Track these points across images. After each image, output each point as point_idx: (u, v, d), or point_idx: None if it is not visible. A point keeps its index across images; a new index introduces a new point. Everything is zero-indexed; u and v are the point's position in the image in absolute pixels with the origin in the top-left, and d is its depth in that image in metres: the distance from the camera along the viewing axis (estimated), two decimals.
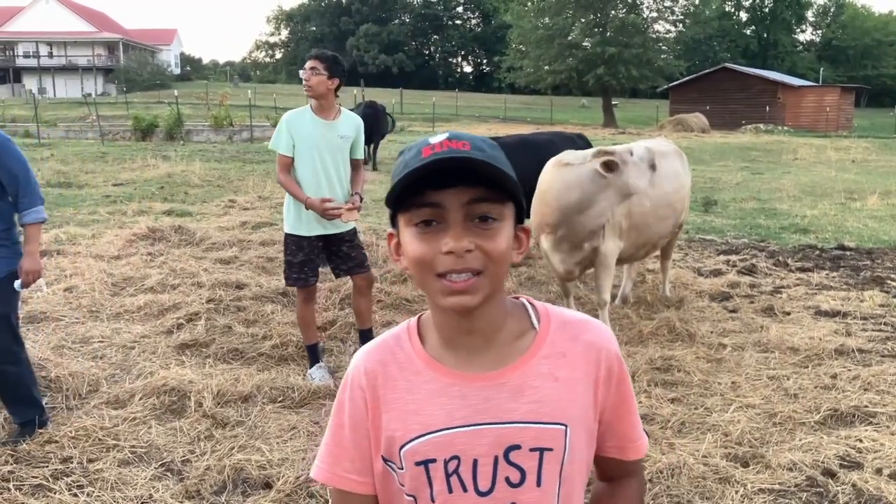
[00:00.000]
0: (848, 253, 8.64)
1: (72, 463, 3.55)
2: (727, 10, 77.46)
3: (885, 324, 5.85)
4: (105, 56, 66.14)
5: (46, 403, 4.10)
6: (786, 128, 41.80)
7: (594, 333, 1.24)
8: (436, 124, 33.91)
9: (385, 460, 1.21)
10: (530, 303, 1.26)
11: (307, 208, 4.46)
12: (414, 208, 1.13)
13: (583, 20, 45.91)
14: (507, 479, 1.15)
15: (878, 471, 3.49)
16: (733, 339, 5.45)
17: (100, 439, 3.78)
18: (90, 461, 3.60)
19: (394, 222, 1.19)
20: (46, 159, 16.50)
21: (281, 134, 4.48)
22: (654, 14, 48.57)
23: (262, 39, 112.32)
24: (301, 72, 4.51)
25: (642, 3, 48.00)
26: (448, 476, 1.16)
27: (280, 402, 4.28)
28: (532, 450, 1.15)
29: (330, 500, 1.31)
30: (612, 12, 46.07)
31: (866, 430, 3.92)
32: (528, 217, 5.30)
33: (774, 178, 17.15)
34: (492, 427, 1.15)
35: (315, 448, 3.72)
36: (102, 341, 5.20)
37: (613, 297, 6.33)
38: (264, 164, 16.87)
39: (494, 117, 43.75)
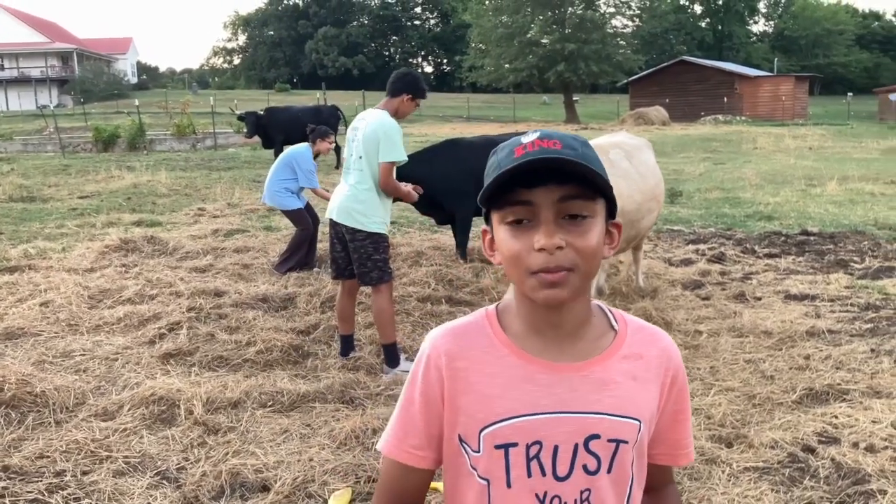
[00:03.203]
0: (811, 238, 8.89)
1: (66, 476, 3.54)
2: (682, 3, 78.65)
3: (852, 305, 6.05)
4: (59, 67, 64.87)
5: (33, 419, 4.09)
6: (744, 118, 42.58)
7: (667, 342, 1.30)
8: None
9: (461, 440, 1.25)
10: (607, 307, 1.31)
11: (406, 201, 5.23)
12: (506, 206, 1.16)
13: (541, 17, 46.26)
14: (585, 467, 1.21)
15: (855, 444, 3.63)
16: (708, 325, 5.59)
17: (92, 451, 3.77)
18: (84, 473, 3.59)
19: (487, 219, 1.24)
20: (7, 174, 16.21)
21: (401, 143, 4.74)
22: (612, 9, 49.16)
23: (219, 45, 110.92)
24: (416, 105, 4.97)
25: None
26: (529, 460, 1.20)
27: (270, 406, 4.31)
28: (610, 440, 1.21)
29: (383, 470, 1.35)
30: (570, 9, 46.50)
31: (841, 407, 4.07)
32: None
33: (736, 168, 17.51)
34: (575, 416, 1.20)
35: (308, 450, 3.78)
36: (84, 354, 5.16)
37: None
38: (231, 171, 16.78)
39: (458, 117, 43.88)
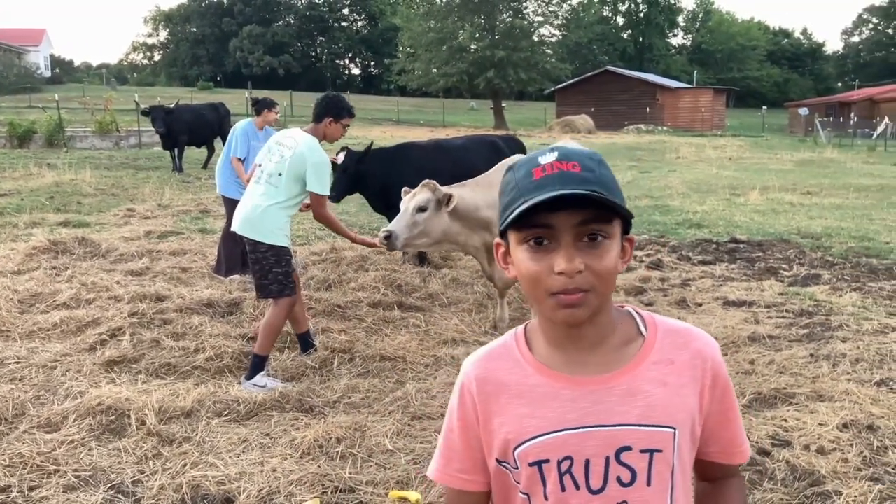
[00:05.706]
0: (741, 246, 9.22)
1: (12, 492, 3.36)
2: (605, 14, 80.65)
3: (787, 311, 6.30)
4: None
5: None
6: (665, 127, 43.92)
7: (701, 342, 1.28)
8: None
9: (499, 462, 1.28)
10: (636, 311, 1.31)
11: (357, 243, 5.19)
12: (526, 228, 1.18)
13: (470, 24, 46.60)
14: (619, 479, 1.21)
15: (806, 447, 3.78)
16: None
17: (38, 465, 3.59)
18: (31, 489, 3.41)
19: (503, 234, 1.23)
20: None
21: (328, 177, 4.70)
22: (540, 18, 49.93)
23: (139, 41, 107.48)
24: (345, 127, 4.91)
25: (527, 8, 49.27)
26: (561, 475, 1.22)
27: (226, 415, 4.18)
28: (643, 451, 1.21)
29: (445, 499, 1.39)
30: (500, 16, 47.01)
31: (789, 411, 4.23)
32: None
33: (662, 176, 18.02)
34: (602, 429, 1.21)
35: (270, 460, 3.69)
36: (19, 362, 4.89)
37: None
38: (159, 171, 16.27)
39: (387, 120, 43.75)
